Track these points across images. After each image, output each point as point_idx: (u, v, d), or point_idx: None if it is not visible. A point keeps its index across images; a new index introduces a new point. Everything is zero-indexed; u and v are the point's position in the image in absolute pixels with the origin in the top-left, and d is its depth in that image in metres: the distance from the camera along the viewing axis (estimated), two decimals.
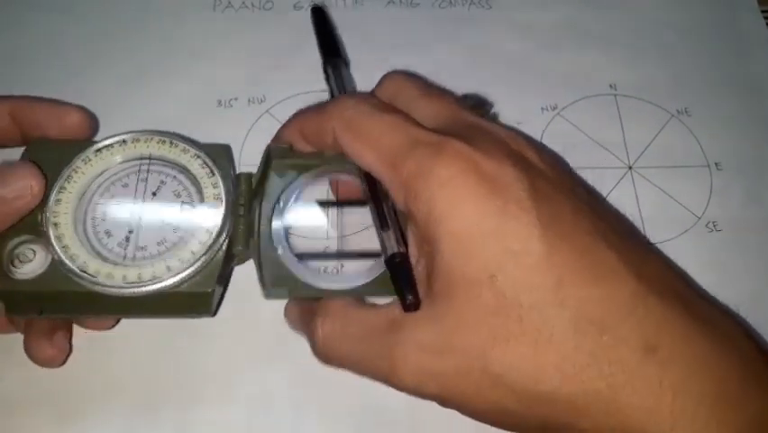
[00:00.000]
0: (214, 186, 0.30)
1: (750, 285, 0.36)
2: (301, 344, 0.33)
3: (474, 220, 0.25)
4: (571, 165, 0.39)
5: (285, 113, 0.33)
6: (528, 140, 0.29)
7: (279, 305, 0.34)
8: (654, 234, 0.38)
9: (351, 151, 0.28)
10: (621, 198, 0.39)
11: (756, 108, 0.42)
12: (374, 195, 0.29)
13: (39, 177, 0.29)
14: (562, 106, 0.41)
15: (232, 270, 0.33)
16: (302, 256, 0.30)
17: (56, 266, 0.28)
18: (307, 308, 0.30)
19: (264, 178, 0.31)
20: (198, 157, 0.31)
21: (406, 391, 0.26)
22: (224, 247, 0.29)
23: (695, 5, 0.46)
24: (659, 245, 0.37)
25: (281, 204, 0.31)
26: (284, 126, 0.32)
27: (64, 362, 0.31)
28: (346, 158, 0.29)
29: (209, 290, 0.29)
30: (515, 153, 0.27)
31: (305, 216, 0.34)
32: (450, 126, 0.28)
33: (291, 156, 0.31)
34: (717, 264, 0.37)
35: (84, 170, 0.30)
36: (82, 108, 0.33)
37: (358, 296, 0.29)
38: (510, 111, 0.40)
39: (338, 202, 0.36)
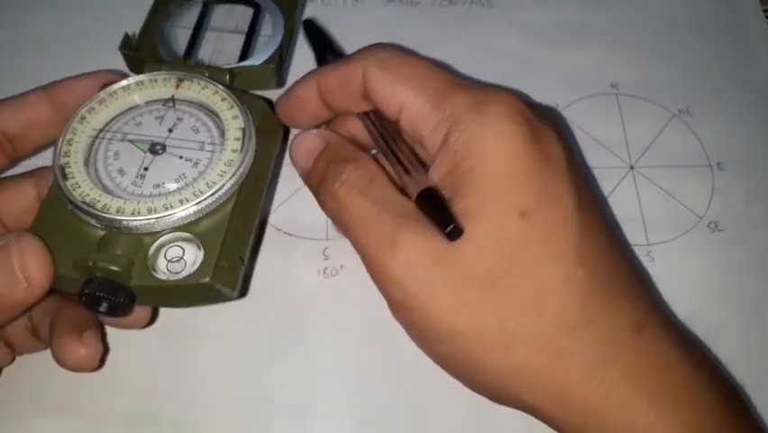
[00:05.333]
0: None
1: (752, 285, 0.36)
2: (301, 344, 0.33)
3: (519, 158, 0.25)
4: None
5: None
6: (560, 119, 0.29)
7: (277, 305, 0.34)
8: (656, 234, 0.38)
9: (383, 88, 0.28)
10: (622, 197, 0.39)
11: (758, 108, 0.42)
12: (389, 140, 0.29)
13: (41, 260, 0.25)
14: (564, 106, 0.41)
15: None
16: None
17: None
18: (338, 150, 0.29)
19: None
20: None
21: (387, 279, 0.25)
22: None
23: (696, 4, 0.46)
24: (660, 246, 0.37)
25: None
26: (300, 80, 0.31)
27: (101, 364, 0.30)
28: None
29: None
30: (550, 120, 0.28)
31: None
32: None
33: None
34: (718, 265, 0.37)
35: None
36: (108, 72, 0.32)
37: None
38: None
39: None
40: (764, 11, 0.46)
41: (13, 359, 0.31)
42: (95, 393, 0.32)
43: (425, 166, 0.28)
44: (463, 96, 0.26)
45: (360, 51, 0.29)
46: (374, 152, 0.32)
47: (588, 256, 0.25)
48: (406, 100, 0.27)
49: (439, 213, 0.25)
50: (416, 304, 0.25)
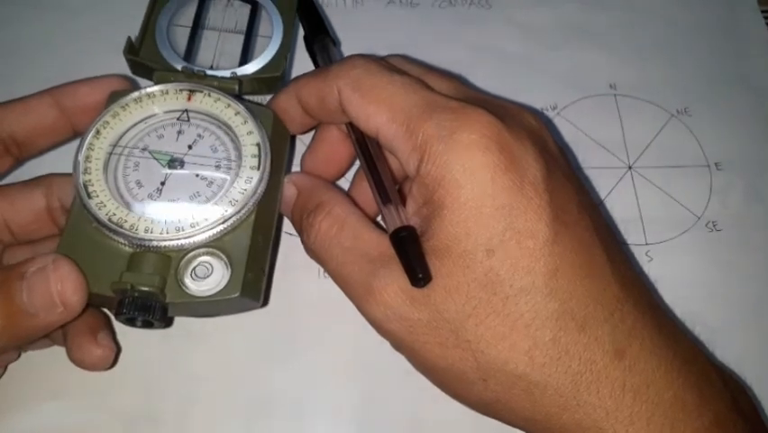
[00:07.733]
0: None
1: (751, 285, 0.36)
2: (301, 344, 0.34)
3: (488, 191, 0.24)
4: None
5: None
6: (546, 123, 0.29)
7: (280, 306, 0.34)
8: (654, 234, 0.38)
9: (357, 112, 0.27)
10: (621, 197, 0.39)
11: (756, 108, 0.42)
12: (373, 166, 0.28)
13: (78, 285, 0.25)
14: (562, 106, 0.41)
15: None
16: None
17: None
18: (309, 197, 0.29)
19: None
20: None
21: (370, 322, 0.26)
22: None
23: (695, 5, 0.46)
24: (659, 245, 0.37)
25: None
26: (281, 93, 0.31)
27: (114, 362, 0.30)
28: None
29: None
30: (535, 133, 0.27)
31: None
32: (468, 99, 0.27)
33: None
34: (717, 264, 0.37)
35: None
36: (120, 76, 0.31)
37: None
38: None
39: None
40: (764, 11, 0.46)
41: (19, 355, 0.31)
42: (95, 394, 0.32)
43: (401, 190, 0.28)
44: (434, 122, 0.25)
45: (335, 67, 0.28)
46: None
47: (563, 286, 0.24)
48: (380, 125, 0.26)
49: (408, 259, 0.24)
50: (401, 343, 0.26)
